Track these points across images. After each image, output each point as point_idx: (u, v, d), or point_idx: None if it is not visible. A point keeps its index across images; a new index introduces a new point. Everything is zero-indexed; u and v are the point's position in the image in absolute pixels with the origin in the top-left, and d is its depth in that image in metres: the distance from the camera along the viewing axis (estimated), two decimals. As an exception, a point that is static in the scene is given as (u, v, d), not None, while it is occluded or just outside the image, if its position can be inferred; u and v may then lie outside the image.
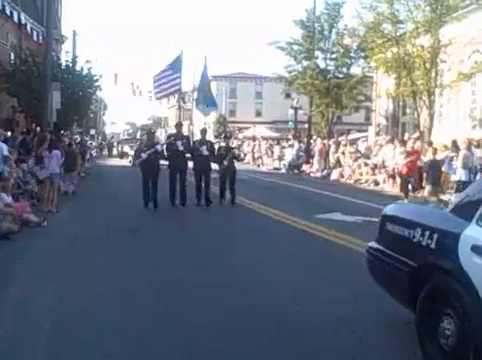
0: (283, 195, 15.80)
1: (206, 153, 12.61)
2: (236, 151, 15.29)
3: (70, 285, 5.85)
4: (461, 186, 12.30)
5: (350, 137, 28.42)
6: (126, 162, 33.02)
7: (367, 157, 21.25)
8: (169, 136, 14.20)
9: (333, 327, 4.74)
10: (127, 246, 8.12)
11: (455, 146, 13.75)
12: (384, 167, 18.85)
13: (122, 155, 40.17)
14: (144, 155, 12.17)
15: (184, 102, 72.05)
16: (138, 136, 72.97)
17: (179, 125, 14.17)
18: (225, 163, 12.87)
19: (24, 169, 13.12)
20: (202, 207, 12.44)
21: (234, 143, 29.20)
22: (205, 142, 13.16)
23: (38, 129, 18.50)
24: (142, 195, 12.20)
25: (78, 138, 27.97)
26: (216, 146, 14.33)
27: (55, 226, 9.86)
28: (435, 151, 13.48)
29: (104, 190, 17.07)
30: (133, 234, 9.15)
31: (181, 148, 12.44)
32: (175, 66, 18.81)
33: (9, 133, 17.95)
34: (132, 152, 31.84)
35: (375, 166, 20.03)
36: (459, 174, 12.36)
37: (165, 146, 12.91)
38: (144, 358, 4.11)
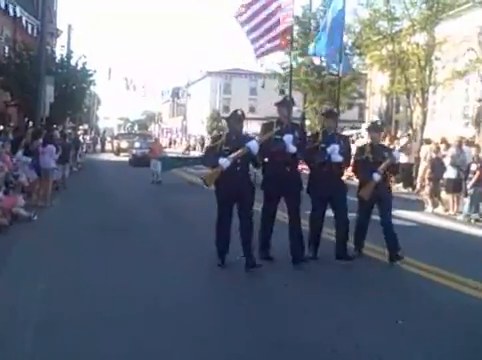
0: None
1: (340, 158, 6.86)
2: (396, 155, 7.50)
3: (59, 283, 5.74)
4: (451, 184, 12.26)
5: (344, 133, 28.47)
6: (122, 158, 31.75)
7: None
8: (268, 124, 7.03)
9: (328, 330, 4.64)
10: (118, 243, 7.95)
11: (445, 144, 13.68)
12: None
13: (118, 151, 36.93)
14: (224, 160, 6.28)
15: (178, 97, 71.72)
16: (135, 129, 71.54)
17: (285, 104, 6.99)
18: (376, 178, 7.02)
19: (15, 163, 13.00)
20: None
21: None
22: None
23: (30, 124, 18.42)
24: (215, 238, 6.63)
25: (71, 132, 27.67)
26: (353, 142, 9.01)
27: (46, 221, 9.79)
28: (438, 149, 13.16)
29: (97, 185, 17.00)
30: (124, 232, 8.90)
31: (292, 149, 6.62)
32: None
33: (1, 127, 17.87)
34: (132, 149, 29.38)
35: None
36: (449, 172, 12.28)
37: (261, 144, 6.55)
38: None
